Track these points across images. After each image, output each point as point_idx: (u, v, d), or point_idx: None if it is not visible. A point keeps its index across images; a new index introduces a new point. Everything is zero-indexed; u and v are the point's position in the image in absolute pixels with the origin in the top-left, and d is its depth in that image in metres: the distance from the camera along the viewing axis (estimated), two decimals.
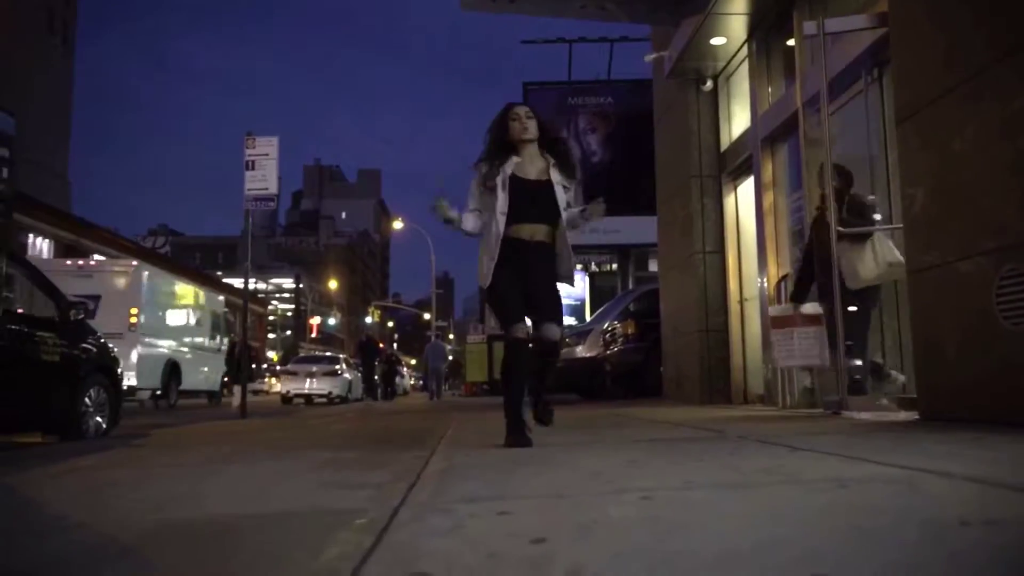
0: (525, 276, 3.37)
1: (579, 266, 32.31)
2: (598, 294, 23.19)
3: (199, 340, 15.78)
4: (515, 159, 3.44)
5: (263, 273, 70.90)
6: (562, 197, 3.48)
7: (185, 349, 14.79)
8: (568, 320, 24.79)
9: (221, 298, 19.06)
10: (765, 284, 6.99)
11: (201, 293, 16.53)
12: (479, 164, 3.50)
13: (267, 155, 9.35)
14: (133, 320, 12.52)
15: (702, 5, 7.17)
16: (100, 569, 1.34)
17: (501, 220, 3.35)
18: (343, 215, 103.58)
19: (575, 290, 30.86)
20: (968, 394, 3.70)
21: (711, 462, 2.29)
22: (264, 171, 9.34)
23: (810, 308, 5.15)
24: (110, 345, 7.15)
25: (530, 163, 3.47)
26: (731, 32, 7.44)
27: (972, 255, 3.63)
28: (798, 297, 5.37)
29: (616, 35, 21.89)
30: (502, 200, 3.35)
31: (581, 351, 12.39)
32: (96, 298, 10.91)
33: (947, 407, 3.86)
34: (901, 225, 4.39)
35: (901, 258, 4.59)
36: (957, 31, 3.77)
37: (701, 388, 8.05)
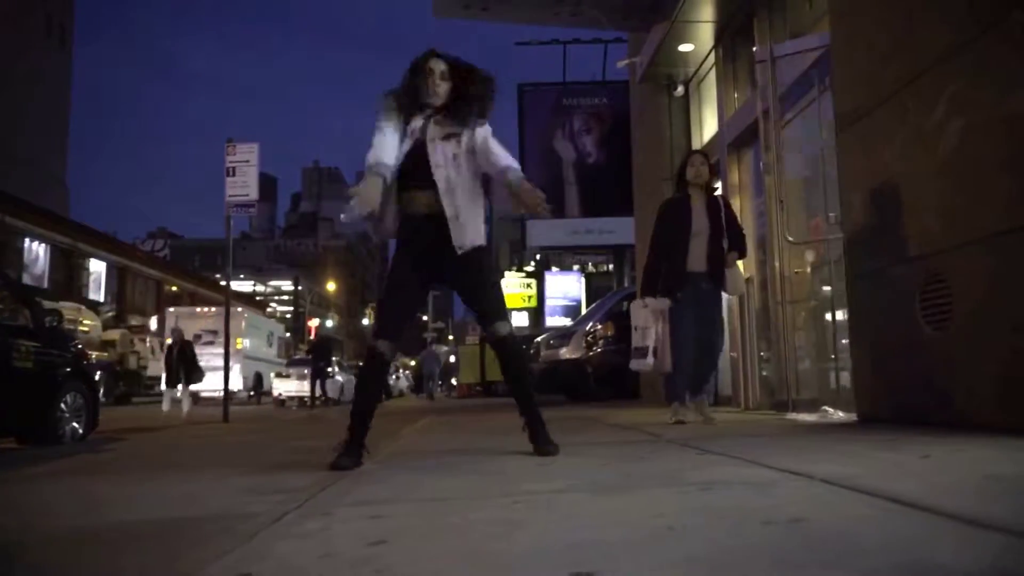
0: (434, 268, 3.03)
1: (576, 267, 32.53)
2: (594, 295, 23.31)
3: (270, 356, 22.96)
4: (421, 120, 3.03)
5: (262, 275, 71.12)
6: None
7: (263, 363, 21.73)
8: (563, 322, 24.91)
9: (280, 324, 27.11)
10: None
11: (270, 322, 22.61)
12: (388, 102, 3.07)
13: (247, 161, 9.47)
14: (239, 347, 18.94)
15: (669, 11, 7.28)
16: None
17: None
18: (342, 217, 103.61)
19: (571, 291, 31.00)
20: (900, 396, 3.81)
21: (615, 465, 2.40)
22: (245, 177, 9.47)
23: (654, 303, 4.59)
24: (90, 352, 7.27)
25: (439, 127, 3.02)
26: (698, 39, 7.55)
27: (902, 261, 3.74)
28: (648, 290, 4.73)
29: (611, 36, 22.05)
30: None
31: (565, 353, 12.50)
32: (215, 332, 17.75)
33: (883, 409, 3.96)
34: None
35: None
36: (887, 45, 3.87)
37: None
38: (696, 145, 8.43)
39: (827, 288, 5.40)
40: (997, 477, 1.79)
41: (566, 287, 28.62)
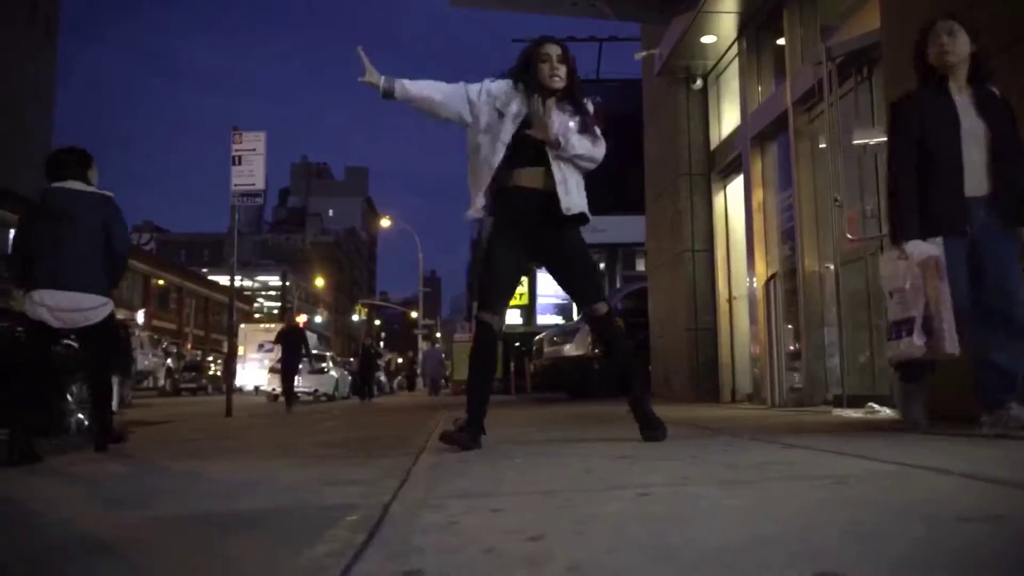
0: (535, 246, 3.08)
1: None
2: None
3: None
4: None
5: (249, 271, 70.43)
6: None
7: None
8: (556, 320, 24.85)
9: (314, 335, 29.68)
10: (754, 283, 7.00)
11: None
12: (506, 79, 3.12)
13: (254, 150, 9.25)
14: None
15: (693, 2, 7.16)
16: (94, 564, 1.30)
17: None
18: (330, 212, 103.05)
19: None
20: (950, 394, 3.70)
21: (705, 457, 2.27)
22: (251, 166, 9.24)
23: (920, 250, 2.85)
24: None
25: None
26: (721, 30, 7.44)
27: None
28: (906, 231, 2.93)
29: (605, 34, 21.92)
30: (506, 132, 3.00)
31: (569, 350, 12.41)
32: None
33: (936, 403, 3.86)
34: None
35: None
36: None
37: (689, 386, 8.05)
38: (714, 141, 8.33)
39: (858, 284, 5.29)
40: None
41: (558, 285, 28.62)
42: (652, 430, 2.91)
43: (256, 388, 20.23)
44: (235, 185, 9.19)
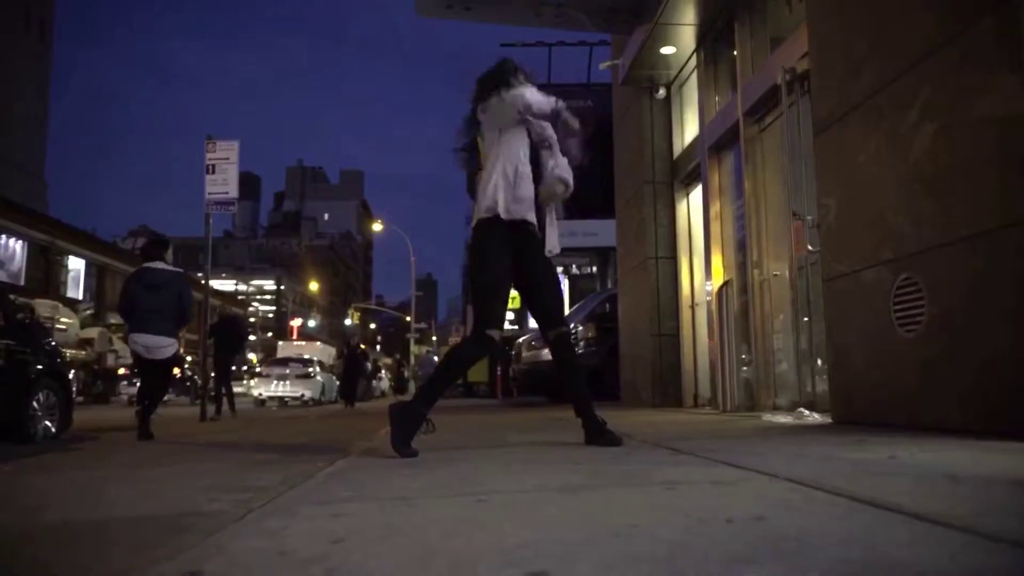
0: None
1: (559, 268, 32.69)
2: (578, 297, 23.34)
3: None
4: None
5: (244, 275, 70.57)
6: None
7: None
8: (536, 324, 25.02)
9: (332, 348, 34.34)
10: (711, 290, 7.13)
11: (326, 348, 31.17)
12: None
13: (227, 159, 9.39)
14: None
15: (651, 13, 7.30)
16: None
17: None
18: (326, 216, 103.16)
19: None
20: (873, 398, 3.84)
21: (586, 465, 2.40)
22: (225, 175, 9.38)
23: None
24: (63, 350, 7.17)
25: None
26: (680, 42, 7.59)
27: (875, 264, 3.77)
28: None
29: (595, 39, 22.05)
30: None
31: (547, 354, 12.48)
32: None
33: (857, 411, 3.99)
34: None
35: None
36: (861, 52, 3.91)
37: (653, 391, 8.18)
38: (677, 150, 8.47)
39: (804, 291, 5.43)
40: (959, 478, 1.80)
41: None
42: (603, 439, 3.02)
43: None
44: (209, 193, 9.33)
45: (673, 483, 1.88)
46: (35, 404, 6.45)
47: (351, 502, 1.84)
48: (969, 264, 3.07)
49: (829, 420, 4.24)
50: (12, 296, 8.94)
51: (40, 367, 6.57)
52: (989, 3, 2.95)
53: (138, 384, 6.85)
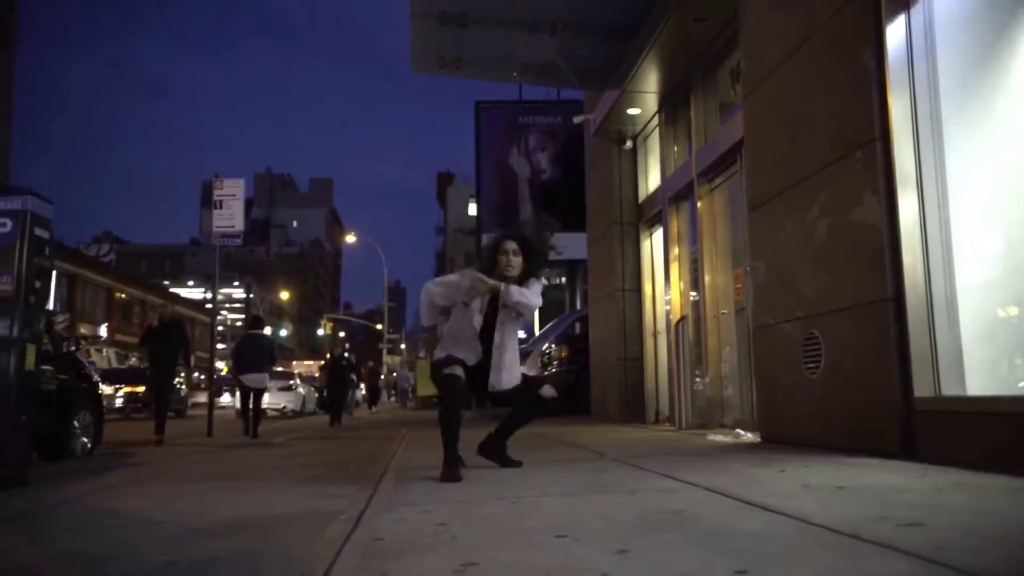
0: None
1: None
2: (548, 308, 24.38)
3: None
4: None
5: (212, 283, 70.19)
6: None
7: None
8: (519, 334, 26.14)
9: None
10: (670, 322, 8.25)
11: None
12: (470, 276, 4.00)
13: (234, 196, 10.30)
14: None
15: (620, 81, 8.43)
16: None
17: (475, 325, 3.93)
18: (294, 224, 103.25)
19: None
20: (789, 422, 4.96)
21: (575, 477, 3.44)
22: (231, 210, 10.28)
23: None
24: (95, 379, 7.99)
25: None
26: (644, 104, 8.73)
27: (790, 319, 4.90)
28: None
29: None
30: (477, 320, 3.92)
31: (524, 369, 13.55)
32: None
33: (779, 431, 5.10)
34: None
35: None
36: (781, 154, 5.04)
37: (620, 409, 9.27)
38: (642, 195, 9.61)
39: (745, 329, 6.56)
40: (811, 486, 2.88)
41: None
42: (499, 458, 4.03)
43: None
44: (216, 227, 10.21)
45: (633, 491, 2.93)
46: (75, 423, 7.30)
47: (428, 503, 2.85)
48: (847, 327, 4.20)
49: (759, 439, 5.34)
50: (60, 319, 10.01)
51: (80, 391, 7.42)
52: (859, 140, 4.08)
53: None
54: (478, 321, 3.92)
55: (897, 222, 3.81)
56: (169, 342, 9.18)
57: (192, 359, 10.29)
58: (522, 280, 4.02)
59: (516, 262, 3.99)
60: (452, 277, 4.21)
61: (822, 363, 4.48)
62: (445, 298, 4.05)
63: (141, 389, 18.35)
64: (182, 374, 24.45)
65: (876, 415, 3.90)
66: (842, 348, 4.29)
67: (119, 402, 18.62)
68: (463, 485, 3.24)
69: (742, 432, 5.71)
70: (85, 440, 7.44)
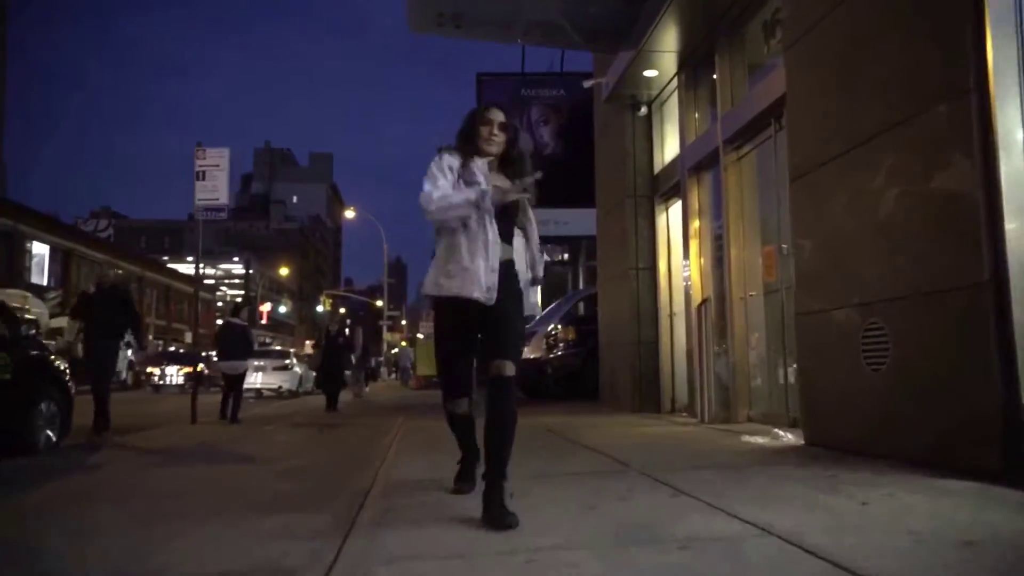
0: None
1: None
2: (552, 284, 23.73)
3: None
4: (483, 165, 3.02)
5: (212, 259, 69.48)
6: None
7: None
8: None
9: None
10: (691, 304, 7.54)
11: None
12: (450, 150, 3.06)
13: (217, 166, 9.54)
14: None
15: (636, 41, 7.63)
16: None
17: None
18: (294, 199, 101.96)
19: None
20: (841, 424, 4.28)
21: (602, 509, 2.76)
22: (215, 181, 9.53)
23: None
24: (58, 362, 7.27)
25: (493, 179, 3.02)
26: (662, 66, 7.94)
27: (844, 306, 4.19)
28: None
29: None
30: (493, 234, 2.90)
31: (526, 352, 12.93)
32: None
33: (827, 434, 4.43)
34: None
35: None
36: (834, 113, 4.29)
37: (633, 396, 8.60)
38: (658, 166, 8.84)
39: (778, 313, 5.86)
40: (922, 536, 2.21)
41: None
42: (492, 517, 2.54)
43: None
44: (199, 199, 9.47)
45: (684, 543, 2.25)
46: (38, 415, 6.63)
47: (415, 558, 2.18)
48: (923, 316, 3.49)
49: (802, 441, 4.66)
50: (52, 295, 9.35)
51: (42, 378, 6.74)
52: (944, 93, 3.34)
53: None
54: (493, 235, 2.91)
55: (998, 190, 3.08)
56: (110, 313, 7.10)
57: (144, 338, 7.84)
58: (502, 169, 3.10)
59: (501, 139, 3.08)
60: (444, 178, 2.99)
61: (888, 358, 3.78)
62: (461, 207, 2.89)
63: None
64: (131, 354, 22.04)
65: (966, 425, 3.21)
66: (916, 341, 3.59)
67: None
68: (465, 528, 2.55)
69: (781, 432, 5.03)
70: (49, 433, 6.78)
